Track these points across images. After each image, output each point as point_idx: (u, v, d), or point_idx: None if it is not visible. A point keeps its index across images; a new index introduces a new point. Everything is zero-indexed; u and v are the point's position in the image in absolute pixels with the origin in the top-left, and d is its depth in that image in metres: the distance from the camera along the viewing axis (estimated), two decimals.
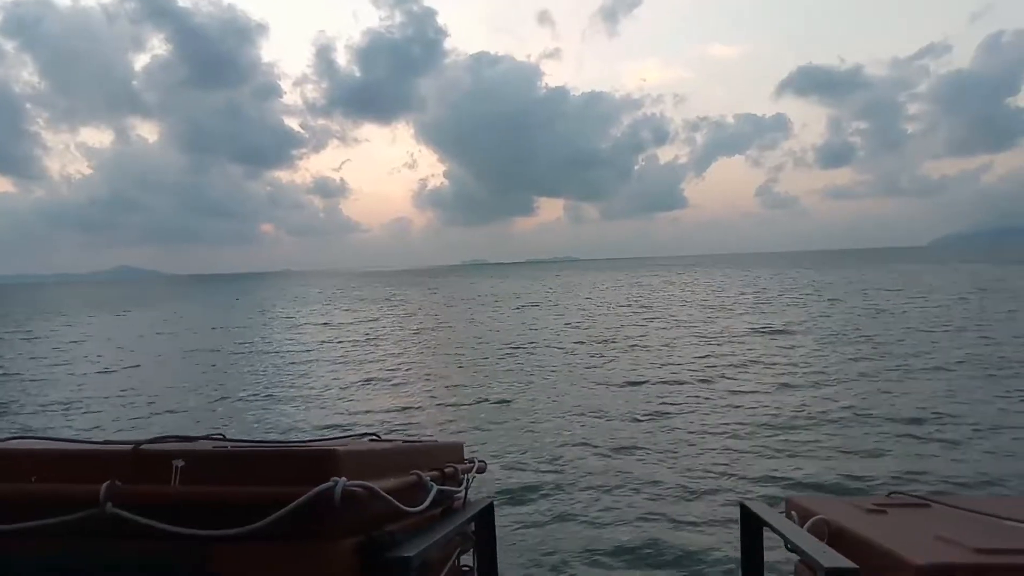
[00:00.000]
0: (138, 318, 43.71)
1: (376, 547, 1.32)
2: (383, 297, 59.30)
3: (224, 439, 1.60)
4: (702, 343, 18.75)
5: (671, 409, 10.70)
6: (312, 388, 14.37)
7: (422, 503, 1.49)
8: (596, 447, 8.73)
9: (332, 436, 1.87)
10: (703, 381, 12.96)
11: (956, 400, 10.31)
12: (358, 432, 7.68)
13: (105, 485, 1.20)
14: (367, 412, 11.79)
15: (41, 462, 1.35)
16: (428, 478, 1.56)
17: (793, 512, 1.87)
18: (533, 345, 20.09)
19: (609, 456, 8.33)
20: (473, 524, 1.93)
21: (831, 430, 9.01)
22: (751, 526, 1.92)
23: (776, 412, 10.09)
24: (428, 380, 14.84)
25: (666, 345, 18.69)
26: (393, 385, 14.47)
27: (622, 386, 12.95)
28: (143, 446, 1.35)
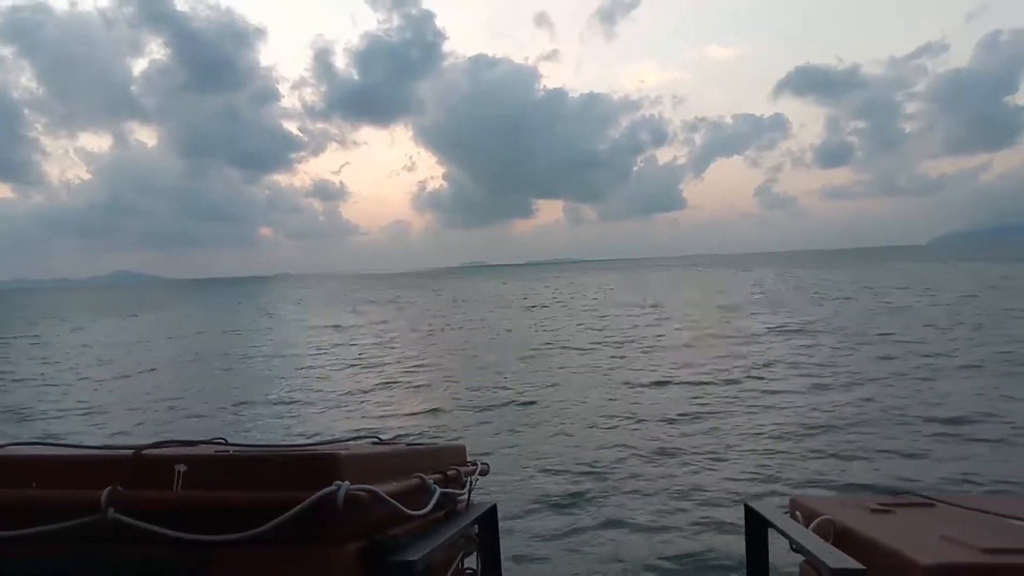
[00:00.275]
0: (145, 322, 43.68)
1: (379, 551, 1.31)
2: (388, 299, 59.31)
3: (226, 443, 1.57)
4: (721, 342, 18.69)
5: (701, 410, 10.61)
6: (329, 391, 14.29)
7: (425, 506, 1.48)
8: (609, 449, 8.67)
9: (334, 439, 1.84)
10: (729, 382, 12.87)
11: (989, 398, 10.24)
12: (360, 435, 7.68)
13: (107, 491, 1.19)
14: (379, 417, 11.72)
15: (42, 468, 1.35)
16: (431, 481, 1.55)
17: (798, 512, 1.84)
18: (549, 347, 20.06)
19: (623, 459, 8.25)
20: (477, 527, 1.91)
21: (867, 430, 8.92)
22: (755, 527, 1.90)
23: (811, 413, 10.01)
24: (448, 384, 14.75)
25: (686, 345, 18.67)
26: (413, 388, 14.38)
27: (647, 386, 12.89)
28: (145, 451, 1.34)
